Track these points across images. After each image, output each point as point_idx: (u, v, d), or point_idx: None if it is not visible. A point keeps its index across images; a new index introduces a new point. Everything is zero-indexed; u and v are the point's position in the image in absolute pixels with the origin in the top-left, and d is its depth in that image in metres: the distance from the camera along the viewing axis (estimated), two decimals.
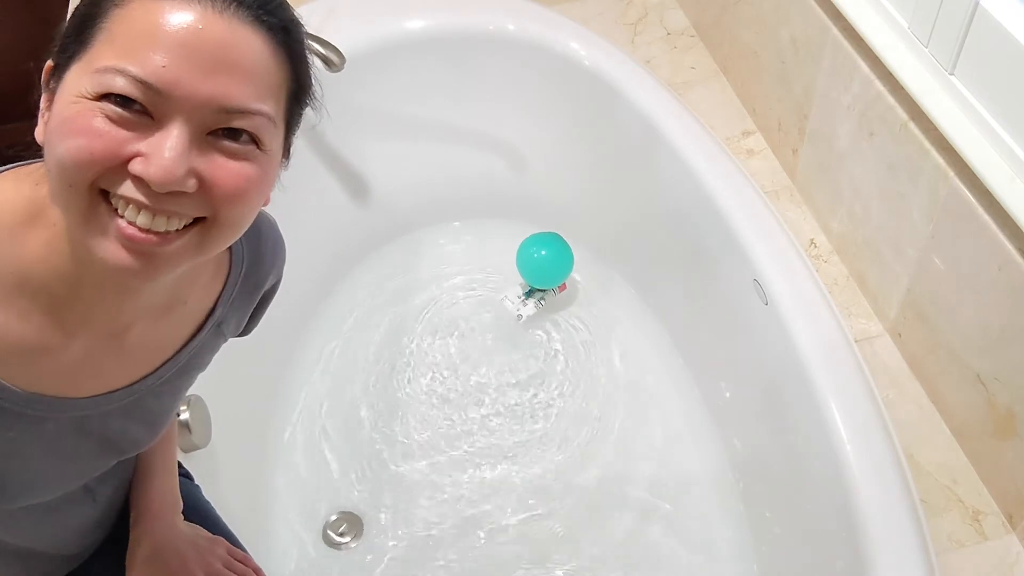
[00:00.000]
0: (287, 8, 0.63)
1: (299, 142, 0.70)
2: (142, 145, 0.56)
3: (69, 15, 0.61)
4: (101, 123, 0.56)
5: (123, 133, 0.56)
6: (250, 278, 0.82)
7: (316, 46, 1.32)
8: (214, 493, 1.10)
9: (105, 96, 0.56)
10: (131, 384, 0.74)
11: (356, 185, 1.80)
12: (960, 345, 1.18)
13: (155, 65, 0.55)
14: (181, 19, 0.56)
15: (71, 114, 0.56)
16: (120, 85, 0.55)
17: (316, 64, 0.72)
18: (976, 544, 1.14)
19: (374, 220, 1.85)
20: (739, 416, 1.53)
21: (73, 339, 0.67)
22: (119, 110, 0.56)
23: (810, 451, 1.22)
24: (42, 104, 0.62)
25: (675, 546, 1.49)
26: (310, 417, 1.64)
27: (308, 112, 0.69)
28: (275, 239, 0.86)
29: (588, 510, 1.54)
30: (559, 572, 1.48)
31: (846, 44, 1.30)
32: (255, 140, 0.60)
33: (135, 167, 0.56)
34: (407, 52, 1.67)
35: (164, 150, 0.56)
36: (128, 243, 0.58)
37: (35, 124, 0.62)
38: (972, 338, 1.15)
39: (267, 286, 0.86)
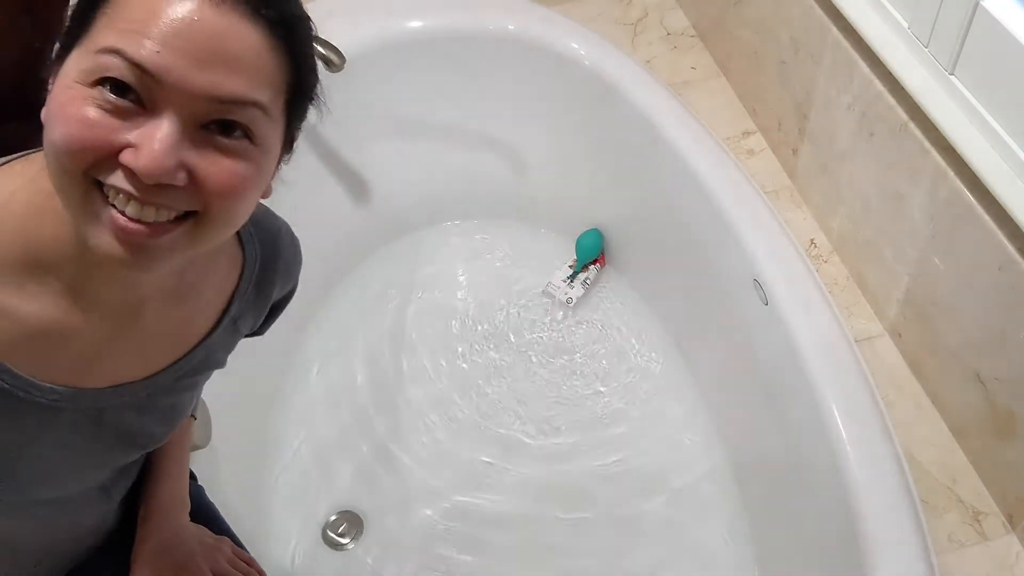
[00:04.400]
0: (292, 3, 0.63)
1: (299, 142, 0.70)
2: (132, 135, 0.56)
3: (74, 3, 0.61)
4: (93, 112, 0.56)
5: (114, 122, 0.56)
6: (264, 277, 0.82)
7: (316, 46, 1.32)
8: (214, 493, 1.10)
9: (100, 82, 0.56)
10: (148, 377, 0.74)
11: (356, 185, 1.80)
12: (960, 345, 1.18)
13: (149, 50, 0.55)
14: (179, 9, 0.56)
15: (65, 99, 0.56)
16: (114, 66, 0.55)
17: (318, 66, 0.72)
18: (976, 544, 1.14)
19: (374, 220, 1.85)
20: (739, 415, 1.53)
21: (87, 322, 0.67)
22: (112, 97, 0.56)
23: (810, 451, 1.22)
24: (50, 85, 0.61)
25: (674, 544, 1.49)
26: (310, 417, 1.64)
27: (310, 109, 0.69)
28: (293, 253, 0.87)
29: (587, 509, 1.54)
30: (558, 571, 1.48)
31: (846, 44, 1.30)
32: (248, 134, 0.60)
33: (125, 158, 0.56)
34: (407, 52, 1.67)
35: (154, 141, 0.56)
36: (120, 234, 0.58)
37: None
38: (972, 338, 1.15)
39: (280, 293, 0.87)
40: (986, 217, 1.07)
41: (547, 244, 1.89)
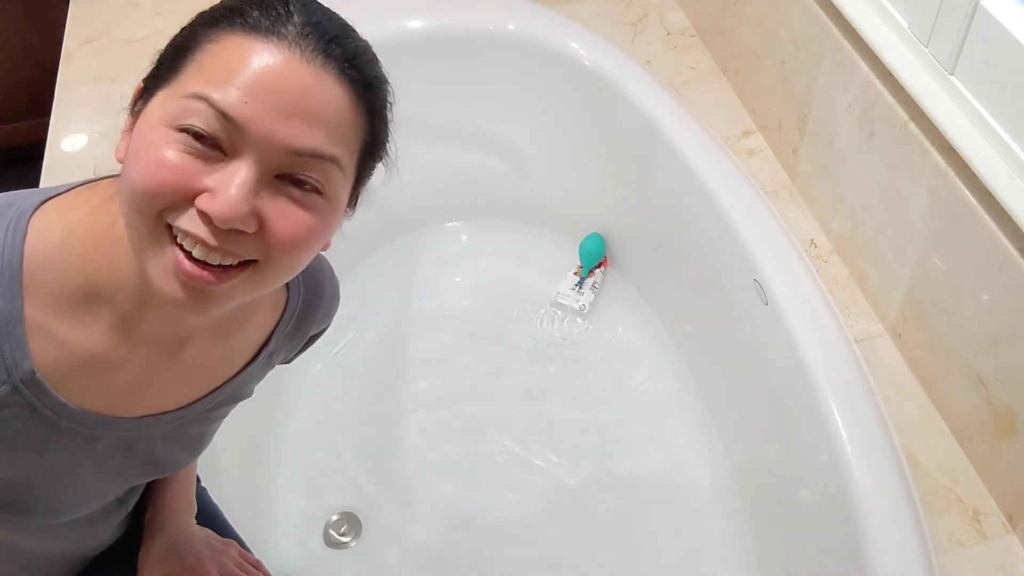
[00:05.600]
0: (375, 65, 0.64)
1: None
2: (210, 180, 0.57)
3: (167, 43, 0.63)
4: (174, 156, 0.57)
5: (194, 167, 0.57)
6: (304, 317, 0.83)
7: None
8: (215, 493, 1.10)
9: (184, 127, 0.57)
10: (181, 408, 0.75)
11: None
12: (960, 345, 1.18)
13: (237, 99, 0.56)
14: (269, 61, 0.57)
15: (148, 141, 0.58)
16: (200, 111, 0.56)
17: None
18: (976, 544, 1.14)
19: (374, 220, 1.84)
20: (739, 415, 1.53)
21: (133, 354, 0.68)
22: (194, 142, 0.57)
23: (810, 451, 1.22)
24: (125, 124, 0.63)
25: (674, 545, 1.49)
26: (310, 417, 1.64)
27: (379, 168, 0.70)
28: (334, 295, 0.89)
29: (587, 513, 1.54)
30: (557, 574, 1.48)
31: (846, 44, 1.30)
32: (321, 188, 0.61)
33: (201, 202, 0.57)
34: (407, 52, 1.67)
35: (231, 187, 0.57)
36: (182, 278, 0.58)
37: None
38: (972, 338, 1.15)
39: (316, 330, 0.88)
40: (986, 217, 1.07)
41: (547, 244, 1.89)
